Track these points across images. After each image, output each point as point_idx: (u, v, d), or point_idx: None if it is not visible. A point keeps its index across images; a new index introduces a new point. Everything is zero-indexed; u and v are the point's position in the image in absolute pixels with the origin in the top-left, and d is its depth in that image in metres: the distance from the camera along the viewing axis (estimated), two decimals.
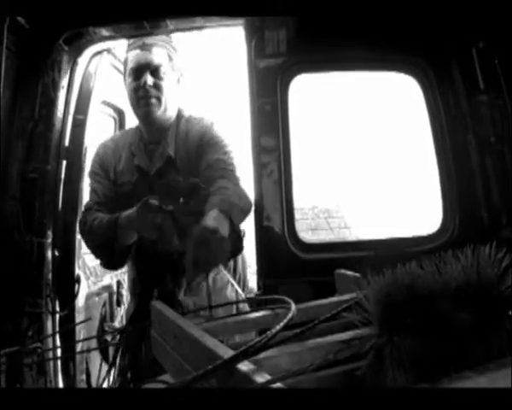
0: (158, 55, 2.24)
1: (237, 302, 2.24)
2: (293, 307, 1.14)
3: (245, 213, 2.03)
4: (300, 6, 2.26)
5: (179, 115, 2.34)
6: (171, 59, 2.27)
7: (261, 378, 0.82)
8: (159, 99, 2.22)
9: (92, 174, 2.34)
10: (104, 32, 2.52)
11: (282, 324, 1.00)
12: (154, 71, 2.21)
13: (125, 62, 2.31)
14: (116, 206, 2.19)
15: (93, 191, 2.32)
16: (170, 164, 2.24)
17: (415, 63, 2.33)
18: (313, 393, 0.84)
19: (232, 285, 2.34)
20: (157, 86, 2.21)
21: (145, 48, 2.24)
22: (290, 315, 1.06)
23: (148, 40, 2.27)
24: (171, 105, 2.27)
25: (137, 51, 2.24)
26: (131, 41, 2.32)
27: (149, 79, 2.20)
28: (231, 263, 2.35)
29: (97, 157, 2.37)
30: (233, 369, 0.86)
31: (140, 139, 2.34)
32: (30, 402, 0.84)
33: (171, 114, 2.30)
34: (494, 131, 2.26)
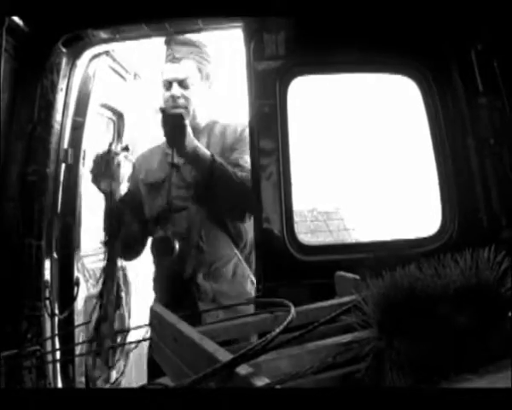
0: (186, 68, 2.48)
1: (244, 303, 2.42)
2: (293, 310, 1.15)
3: (233, 193, 2.37)
4: (299, 8, 2.26)
5: (212, 121, 2.61)
6: (200, 70, 2.50)
7: (260, 382, 0.82)
8: (186, 109, 2.47)
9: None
10: (103, 34, 2.51)
11: (281, 327, 1.00)
12: (182, 83, 2.47)
13: (161, 73, 2.55)
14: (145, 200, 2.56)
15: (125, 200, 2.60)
16: None
17: (413, 65, 2.33)
18: (312, 393, 0.84)
19: (252, 282, 2.43)
20: (184, 96, 2.47)
21: (174, 61, 2.49)
22: (289, 318, 1.06)
23: (178, 53, 2.50)
24: (200, 111, 2.52)
25: (168, 64, 2.50)
26: (167, 53, 2.55)
27: (177, 91, 2.46)
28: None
29: (133, 166, 2.64)
30: (232, 372, 0.86)
31: None
32: (29, 403, 0.84)
33: (201, 119, 2.55)
34: (493, 134, 2.26)
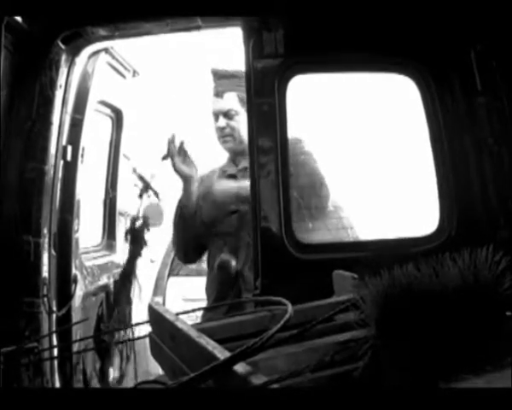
0: (228, 101, 2.73)
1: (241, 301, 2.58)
2: (290, 308, 1.15)
3: None
4: (299, 7, 2.26)
5: None
6: (241, 99, 2.67)
7: (258, 380, 0.82)
8: (232, 136, 2.75)
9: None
10: (102, 31, 2.51)
11: (278, 325, 1.00)
12: (226, 114, 2.73)
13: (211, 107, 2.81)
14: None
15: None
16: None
17: (412, 65, 2.33)
18: (310, 393, 0.84)
19: None
20: (230, 126, 2.74)
21: (219, 95, 2.75)
22: (287, 316, 1.07)
23: (221, 87, 2.75)
24: (244, 136, 2.67)
25: (214, 98, 2.77)
26: (213, 86, 2.79)
27: (222, 122, 2.73)
28: None
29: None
30: (230, 371, 0.86)
31: (231, 163, 2.87)
32: (28, 402, 0.84)
33: (246, 143, 2.64)
34: (491, 133, 2.26)
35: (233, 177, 2.80)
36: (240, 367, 0.86)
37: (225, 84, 2.76)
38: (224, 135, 2.76)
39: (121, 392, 0.90)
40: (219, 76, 2.79)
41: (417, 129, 2.42)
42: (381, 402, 0.81)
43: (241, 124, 2.69)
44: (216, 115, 2.76)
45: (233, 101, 2.73)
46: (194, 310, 2.03)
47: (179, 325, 1.06)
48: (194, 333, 1.00)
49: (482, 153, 2.27)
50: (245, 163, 2.68)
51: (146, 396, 0.86)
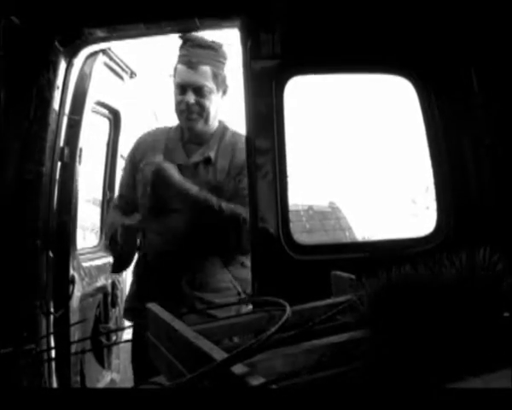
0: (202, 75, 2.44)
1: (240, 303, 2.47)
2: (288, 309, 1.15)
3: (242, 236, 2.38)
4: (296, 7, 2.26)
5: (223, 126, 2.60)
6: (216, 76, 2.46)
7: (255, 381, 0.82)
8: (200, 114, 2.46)
9: (124, 165, 2.71)
10: (100, 33, 2.51)
11: (276, 326, 1.00)
12: (198, 90, 2.44)
13: (174, 72, 2.53)
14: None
15: (120, 182, 2.75)
16: (207, 163, 2.50)
17: (410, 66, 2.33)
18: (309, 392, 0.84)
19: (235, 287, 2.42)
20: (199, 104, 2.45)
21: (191, 65, 2.44)
22: (285, 317, 1.07)
23: (195, 57, 2.45)
24: (212, 118, 2.51)
25: (184, 68, 2.45)
26: (181, 53, 2.50)
27: (192, 98, 2.44)
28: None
29: (132, 150, 2.71)
30: (227, 372, 0.86)
31: (180, 138, 2.59)
32: (28, 402, 0.84)
33: (213, 125, 2.55)
34: (489, 133, 2.27)
35: (179, 168, 2.47)
36: (237, 368, 0.86)
37: (201, 55, 2.46)
38: (191, 112, 2.45)
39: (120, 392, 0.90)
40: (194, 44, 2.47)
41: (415, 130, 2.43)
42: (381, 402, 0.81)
43: (213, 104, 2.48)
44: (182, 87, 2.45)
45: (208, 76, 2.45)
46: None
47: (176, 326, 1.06)
48: (191, 334, 1.00)
49: (479, 153, 2.27)
50: (197, 157, 2.51)
51: (144, 396, 0.86)
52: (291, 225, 2.35)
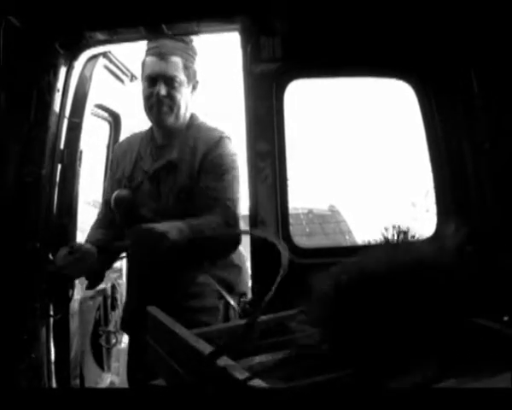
0: (174, 66, 2.33)
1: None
2: (285, 262, 1.14)
3: (219, 246, 2.27)
4: (297, 11, 2.27)
5: (191, 121, 2.45)
6: (186, 68, 2.36)
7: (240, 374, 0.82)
8: (171, 108, 2.33)
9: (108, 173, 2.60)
10: (100, 35, 2.51)
11: (273, 288, 1.00)
12: (169, 81, 2.32)
13: (142, 65, 2.42)
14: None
15: (105, 187, 2.62)
16: (169, 167, 2.36)
17: (409, 69, 2.34)
18: (309, 393, 0.84)
19: (218, 291, 2.37)
20: (170, 96, 2.32)
21: (162, 56, 2.33)
22: (280, 275, 1.07)
23: (165, 48, 2.35)
24: (183, 112, 2.38)
25: (154, 59, 2.34)
26: (150, 45, 2.40)
27: (163, 89, 2.31)
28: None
29: (112, 157, 2.61)
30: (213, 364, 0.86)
31: (150, 141, 2.47)
32: (28, 402, 0.84)
33: (183, 120, 2.41)
34: (488, 136, 2.27)
35: (146, 174, 2.39)
36: (222, 361, 0.86)
37: (171, 46, 2.36)
38: (161, 104, 2.33)
39: (120, 392, 0.90)
40: (163, 36, 2.39)
41: (415, 134, 2.43)
42: (381, 402, 0.81)
43: (183, 98, 2.37)
44: (153, 79, 2.33)
45: (179, 67, 2.34)
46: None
47: (176, 329, 1.06)
48: (190, 338, 1.00)
49: (479, 157, 2.27)
50: (159, 162, 2.38)
51: (144, 397, 0.86)
52: (291, 228, 2.35)
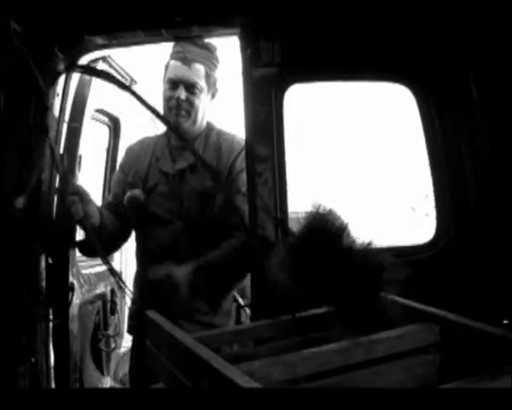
0: (196, 72, 2.42)
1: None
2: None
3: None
4: (296, 15, 2.27)
5: (209, 127, 2.55)
6: (208, 76, 2.44)
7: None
8: (189, 113, 2.42)
9: (115, 173, 2.64)
10: (100, 40, 2.51)
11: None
12: (190, 87, 2.41)
13: (166, 68, 2.50)
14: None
15: (111, 191, 2.65)
16: (192, 168, 2.44)
17: (409, 73, 2.34)
18: (309, 393, 0.83)
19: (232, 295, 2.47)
20: (189, 101, 2.42)
21: (185, 62, 2.42)
22: None
23: (190, 54, 2.43)
24: (200, 118, 2.47)
25: (177, 63, 2.43)
26: (175, 49, 2.49)
27: (183, 94, 2.40)
28: None
29: (122, 160, 2.67)
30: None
31: (166, 145, 2.54)
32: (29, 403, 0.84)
33: (199, 126, 2.49)
34: (488, 141, 2.27)
35: (165, 175, 2.48)
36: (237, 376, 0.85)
37: (195, 53, 2.45)
38: (180, 108, 2.42)
39: (113, 392, 0.90)
40: (190, 42, 2.47)
41: (414, 138, 2.43)
42: (381, 402, 0.81)
43: (202, 104, 2.47)
44: (174, 83, 2.43)
45: (201, 74, 2.44)
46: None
47: (176, 334, 1.06)
48: (190, 342, 1.00)
49: (479, 161, 2.27)
50: (182, 163, 2.46)
51: (144, 397, 0.86)
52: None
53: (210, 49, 2.49)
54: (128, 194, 2.46)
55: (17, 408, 0.85)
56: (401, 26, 2.28)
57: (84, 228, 2.35)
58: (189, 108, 2.42)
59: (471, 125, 2.28)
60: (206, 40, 2.50)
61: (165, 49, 2.66)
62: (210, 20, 2.38)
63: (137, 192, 2.45)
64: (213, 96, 2.54)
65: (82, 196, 2.22)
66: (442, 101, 2.31)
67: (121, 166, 2.66)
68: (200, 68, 2.43)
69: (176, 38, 2.48)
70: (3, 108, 2.39)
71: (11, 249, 2.41)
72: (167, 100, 2.44)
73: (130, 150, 2.70)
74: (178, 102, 2.41)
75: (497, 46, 2.21)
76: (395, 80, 2.39)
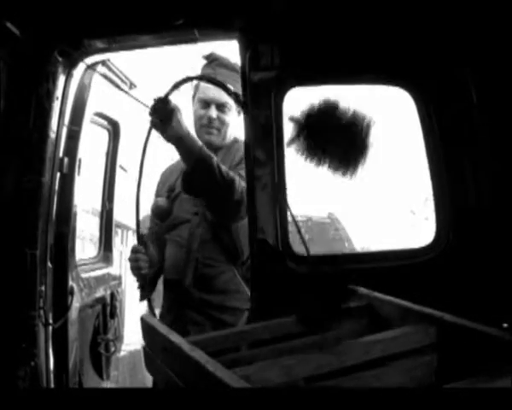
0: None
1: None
2: None
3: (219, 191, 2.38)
4: (295, 19, 2.27)
5: (234, 140, 2.72)
6: (236, 95, 2.48)
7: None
8: (219, 130, 2.62)
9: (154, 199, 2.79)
10: (99, 44, 2.52)
11: None
12: (220, 106, 2.60)
13: (196, 87, 2.69)
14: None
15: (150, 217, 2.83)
16: None
17: (408, 77, 2.34)
18: (309, 393, 0.83)
19: (245, 293, 2.51)
20: (220, 119, 2.61)
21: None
22: None
23: (221, 75, 2.57)
24: (229, 134, 2.67)
25: (209, 85, 2.56)
26: (206, 70, 2.65)
27: (214, 113, 2.60)
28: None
29: (157, 186, 2.84)
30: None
31: None
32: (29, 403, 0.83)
33: (228, 140, 2.69)
34: (487, 144, 2.27)
35: None
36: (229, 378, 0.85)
37: (226, 75, 2.60)
38: (212, 126, 2.61)
39: (112, 392, 0.89)
40: (220, 64, 2.65)
41: (414, 141, 2.43)
42: (381, 402, 0.81)
43: (230, 122, 2.64)
44: (206, 103, 2.61)
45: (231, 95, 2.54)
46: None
47: (172, 337, 1.06)
48: (186, 346, 1.00)
49: (478, 165, 2.27)
50: None
51: (143, 397, 0.85)
52: (290, 236, 2.34)
53: (237, 71, 2.54)
54: (153, 202, 2.69)
55: (17, 408, 0.85)
56: (400, 30, 2.28)
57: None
58: (219, 125, 2.61)
59: (470, 129, 2.28)
60: (233, 60, 2.65)
61: (165, 53, 2.67)
62: (209, 23, 2.38)
63: (160, 200, 2.67)
64: (239, 112, 2.64)
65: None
66: (441, 104, 2.31)
67: (156, 191, 2.83)
68: (229, 89, 2.50)
69: (175, 42, 2.49)
70: (3, 112, 2.39)
71: (11, 254, 2.42)
72: (199, 118, 2.63)
73: (162, 173, 2.87)
74: (210, 121, 2.59)
75: (497, 49, 2.21)
76: (394, 84, 2.39)
